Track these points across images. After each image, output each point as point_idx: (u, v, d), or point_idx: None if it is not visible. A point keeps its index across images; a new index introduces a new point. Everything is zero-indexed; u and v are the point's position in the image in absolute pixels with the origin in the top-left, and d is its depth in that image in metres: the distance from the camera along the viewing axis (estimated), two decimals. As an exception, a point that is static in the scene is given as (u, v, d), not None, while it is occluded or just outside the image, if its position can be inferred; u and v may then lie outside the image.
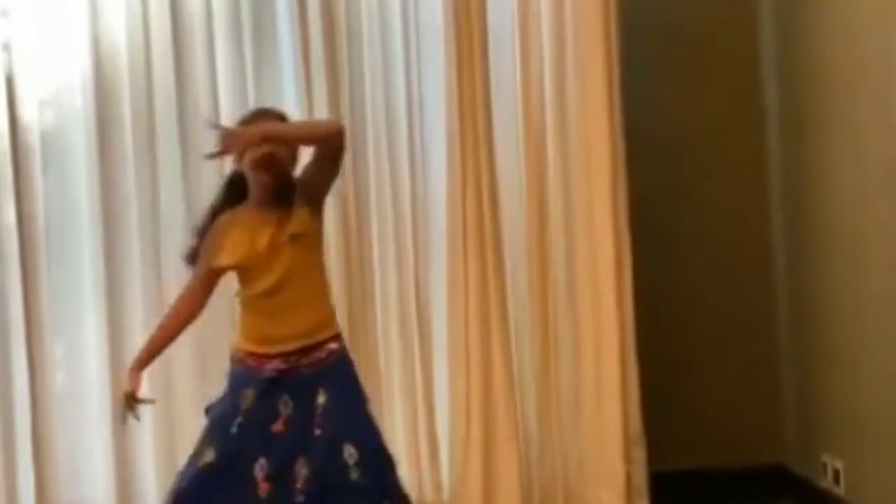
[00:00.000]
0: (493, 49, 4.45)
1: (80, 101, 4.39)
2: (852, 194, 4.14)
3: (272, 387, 3.35)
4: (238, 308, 3.47)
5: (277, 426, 3.34)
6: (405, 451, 4.39)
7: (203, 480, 3.31)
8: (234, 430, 3.33)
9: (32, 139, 4.37)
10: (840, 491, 4.27)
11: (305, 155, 3.43)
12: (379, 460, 3.36)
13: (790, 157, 4.61)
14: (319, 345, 3.39)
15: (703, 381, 4.70)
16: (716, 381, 4.71)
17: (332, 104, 4.39)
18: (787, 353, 4.71)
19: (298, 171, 3.43)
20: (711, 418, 4.67)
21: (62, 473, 4.38)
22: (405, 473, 4.07)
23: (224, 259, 3.38)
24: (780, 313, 4.73)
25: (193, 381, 4.41)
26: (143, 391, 3.47)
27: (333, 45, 4.42)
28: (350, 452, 3.30)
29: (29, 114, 4.37)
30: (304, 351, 3.37)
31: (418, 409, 4.46)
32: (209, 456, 3.32)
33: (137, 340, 4.38)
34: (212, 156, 3.32)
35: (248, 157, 3.33)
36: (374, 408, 3.50)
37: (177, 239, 4.39)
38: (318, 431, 3.32)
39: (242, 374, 3.39)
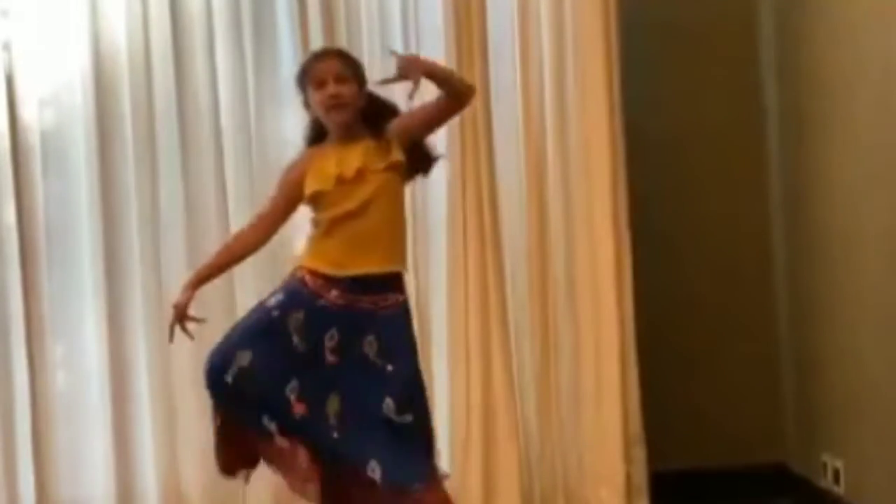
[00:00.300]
0: (492, 50, 4.45)
1: (80, 100, 4.38)
2: (852, 194, 4.15)
3: (322, 317, 3.38)
4: (312, 231, 3.47)
5: (329, 357, 3.37)
6: (405, 451, 4.39)
7: (236, 377, 3.37)
8: (270, 342, 3.36)
9: (32, 138, 4.37)
10: (840, 490, 4.27)
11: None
12: (420, 407, 3.43)
13: (790, 156, 4.61)
14: (387, 282, 3.42)
15: (703, 380, 4.70)
16: (716, 380, 4.71)
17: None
18: (787, 352, 4.71)
19: (407, 109, 3.52)
20: (711, 418, 4.67)
21: (62, 472, 4.38)
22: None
23: (310, 186, 3.42)
24: (780, 313, 4.73)
25: (193, 380, 4.39)
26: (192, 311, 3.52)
27: (333, 45, 4.41)
28: (389, 402, 3.36)
29: (29, 113, 4.37)
30: (371, 282, 3.39)
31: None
32: (244, 358, 3.37)
33: (137, 341, 4.42)
34: (387, 81, 3.43)
35: (318, 99, 3.42)
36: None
37: (177, 239, 4.41)
38: (362, 377, 3.36)
39: (299, 293, 3.40)
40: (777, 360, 4.74)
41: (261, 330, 3.40)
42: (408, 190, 4.44)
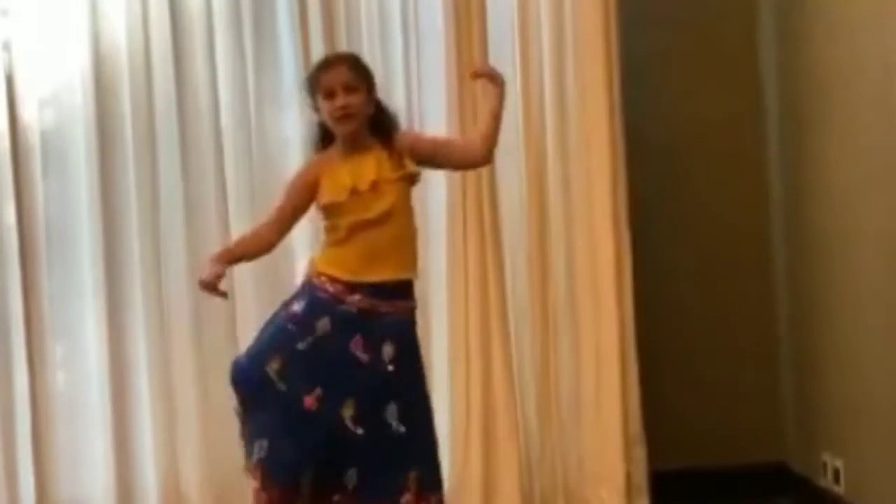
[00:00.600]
0: (492, 50, 4.45)
1: (80, 100, 4.38)
2: (851, 193, 4.15)
3: (348, 323, 3.40)
4: (327, 237, 3.49)
5: (362, 361, 3.40)
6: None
7: (263, 380, 3.38)
8: (300, 346, 3.39)
9: (32, 138, 4.37)
10: (840, 490, 4.28)
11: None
12: (425, 420, 3.49)
13: (789, 156, 4.62)
14: (400, 288, 3.46)
15: (704, 379, 4.70)
16: (716, 379, 4.71)
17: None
18: (786, 351, 4.71)
19: (434, 137, 3.70)
20: (711, 417, 4.67)
21: (62, 472, 4.38)
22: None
23: (325, 196, 3.43)
24: (779, 312, 4.73)
25: (193, 379, 4.40)
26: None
27: (333, 45, 4.42)
28: (392, 411, 3.41)
29: (29, 113, 4.37)
30: (386, 290, 3.42)
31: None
32: (276, 363, 3.38)
33: (137, 341, 4.41)
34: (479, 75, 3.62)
35: (327, 109, 3.43)
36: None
37: (177, 239, 4.41)
38: (379, 381, 3.40)
39: (321, 300, 3.42)
40: (777, 359, 4.74)
41: (288, 337, 3.41)
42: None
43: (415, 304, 3.54)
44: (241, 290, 4.39)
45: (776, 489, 4.62)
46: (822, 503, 4.37)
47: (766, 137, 4.74)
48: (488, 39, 4.44)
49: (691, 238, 4.71)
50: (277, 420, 3.38)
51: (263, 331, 3.50)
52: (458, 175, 4.39)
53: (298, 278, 3.69)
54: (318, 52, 4.38)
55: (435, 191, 4.46)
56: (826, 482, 4.37)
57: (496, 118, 3.54)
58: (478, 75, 3.69)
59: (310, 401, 3.37)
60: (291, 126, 4.43)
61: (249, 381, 3.42)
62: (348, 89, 3.44)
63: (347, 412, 3.39)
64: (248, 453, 3.41)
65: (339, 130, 3.46)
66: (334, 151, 3.50)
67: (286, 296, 3.56)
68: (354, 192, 3.41)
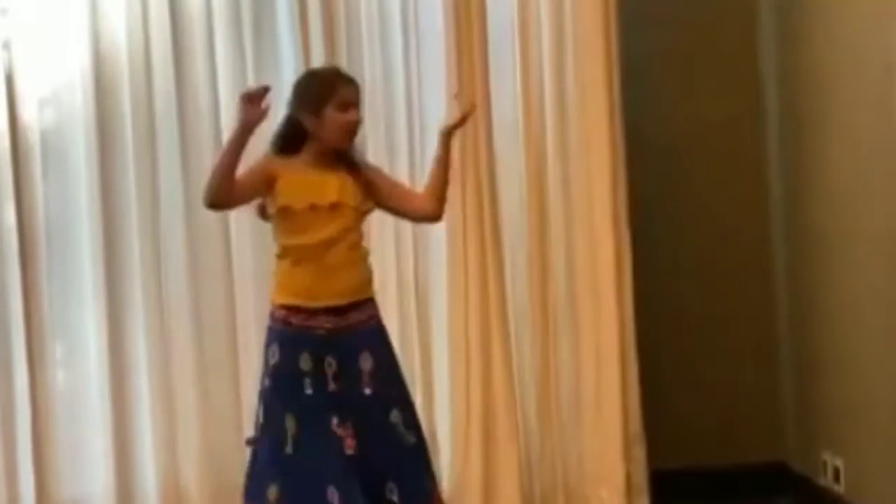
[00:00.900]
0: (493, 49, 4.45)
1: (80, 100, 4.37)
2: (851, 194, 4.15)
3: (321, 346, 3.41)
4: (280, 264, 3.49)
5: (331, 385, 3.41)
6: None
7: (292, 449, 3.38)
8: (308, 391, 3.40)
9: (32, 138, 4.37)
10: (840, 489, 4.28)
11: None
12: (418, 422, 3.54)
13: (789, 156, 4.62)
14: (361, 305, 3.47)
15: (703, 379, 4.70)
16: (716, 379, 4.71)
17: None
18: (786, 350, 4.72)
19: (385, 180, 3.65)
20: (711, 416, 4.67)
21: (62, 471, 4.38)
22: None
23: (282, 198, 3.42)
24: (779, 311, 4.73)
25: (193, 377, 4.40)
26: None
27: (333, 45, 4.42)
28: (395, 414, 3.44)
29: (29, 112, 4.36)
30: (347, 310, 3.44)
31: (419, 408, 4.44)
32: (291, 425, 3.38)
33: (137, 340, 4.41)
34: (456, 126, 3.61)
35: (341, 120, 3.43)
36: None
37: (177, 239, 4.41)
38: (367, 391, 3.42)
39: (292, 335, 3.43)
40: (777, 358, 4.75)
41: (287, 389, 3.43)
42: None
43: (376, 309, 3.54)
44: (242, 289, 4.39)
45: (776, 488, 4.62)
46: (823, 502, 4.37)
47: (766, 137, 4.74)
48: (488, 39, 4.43)
49: (691, 238, 4.71)
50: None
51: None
52: (457, 175, 4.38)
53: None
54: (318, 52, 4.39)
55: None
56: (826, 481, 4.37)
57: (446, 171, 3.57)
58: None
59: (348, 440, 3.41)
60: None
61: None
62: (357, 107, 3.50)
63: (347, 431, 3.41)
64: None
65: (340, 143, 3.47)
66: (297, 160, 3.48)
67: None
68: (313, 207, 3.41)
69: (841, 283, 4.25)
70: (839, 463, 4.28)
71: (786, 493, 4.61)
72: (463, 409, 4.42)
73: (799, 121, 4.52)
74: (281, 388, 3.43)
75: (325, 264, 3.42)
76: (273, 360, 3.44)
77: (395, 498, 3.41)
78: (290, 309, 3.44)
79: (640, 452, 4.45)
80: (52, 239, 4.40)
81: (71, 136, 4.42)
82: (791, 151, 4.60)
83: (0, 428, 4.34)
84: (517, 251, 4.50)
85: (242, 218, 4.34)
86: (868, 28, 3.98)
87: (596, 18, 4.42)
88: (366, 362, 3.45)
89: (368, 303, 3.51)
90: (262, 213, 3.54)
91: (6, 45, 4.34)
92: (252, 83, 4.42)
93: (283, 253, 3.48)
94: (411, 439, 3.47)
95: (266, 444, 3.43)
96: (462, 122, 3.64)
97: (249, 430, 3.64)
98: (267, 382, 3.45)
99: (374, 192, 3.54)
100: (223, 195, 3.46)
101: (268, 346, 3.47)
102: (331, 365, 3.42)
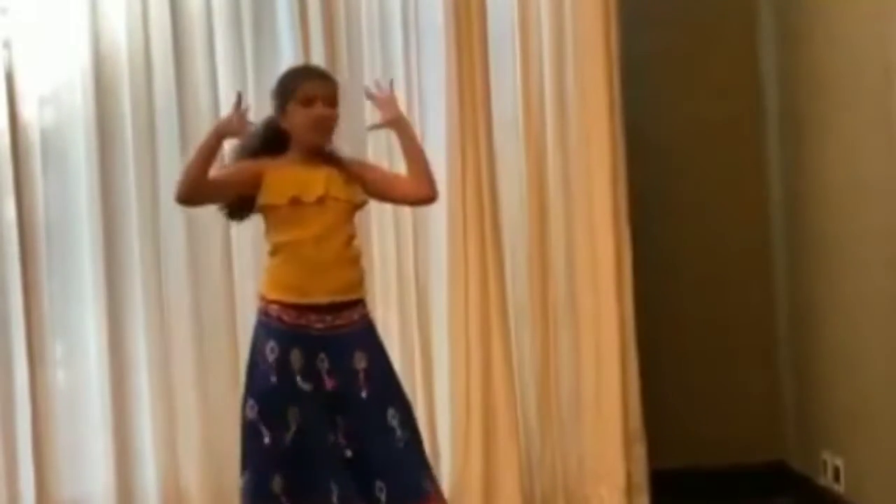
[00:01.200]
0: (493, 49, 4.45)
1: (80, 99, 4.38)
2: (851, 194, 4.15)
3: (313, 344, 3.41)
4: (272, 260, 3.48)
5: (328, 383, 3.41)
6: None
7: (296, 447, 3.38)
8: (305, 387, 3.40)
9: (32, 136, 4.36)
10: (840, 488, 4.28)
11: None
12: (414, 420, 3.51)
13: (789, 156, 4.62)
14: (352, 304, 3.46)
15: (703, 378, 4.70)
16: (716, 378, 4.72)
17: (332, 103, 4.39)
18: (786, 350, 4.72)
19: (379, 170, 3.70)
20: (711, 415, 4.67)
21: (62, 471, 4.37)
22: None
23: (264, 196, 3.41)
24: (779, 311, 4.74)
25: (193, 377, 4.40)
26: None
27: (333, 44, 4.43)
28: (392, 414, 3.42)
29: (29, 111, 4.36)
30: (338, 308, 3.43)
31: (418, 407, 4.45)
32: (293, 418, 3.39)
33: (138, 340, 4.41)
34: (376, 127, 3.64)
35: (304, 116, 3.42)
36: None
37: (177, 239, 4.41)
38: (363, 394, 3.41)
39: (284, 333, 3.42)
40: (777, 358, 4.75)
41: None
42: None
43: (367, 309, 3.53)
44: (242, 289, 4.39)
45: (776, 488, 4.62)
46: (822, 502, 4.37)
47: (766, 137, 4.75)
48: (488, 38, 4.44)
49: (691, 238, 4.72)
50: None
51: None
52: (457, 175, 4.39)
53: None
54: (318, 51, 4.39)
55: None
56: (826, 481, 4.37)
57: (413, 155, 3.56)
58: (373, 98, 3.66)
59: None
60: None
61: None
62: (329, 102, 3.47)
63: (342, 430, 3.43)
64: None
65: (313, 139, 3.46)
66: (284, 159, 3.48)
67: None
68: (295, 201, 3.40)
69: (841, 283, 4.25)
70: (839, 463, 4.28)
71: (786, 492, 4.61)
72: (463, 407, 4.42)
73: (799, 121, 4.52)
74: (283, 382, 3.42)
75: (317, 260, 3.41)
76: (273, 356, 3.43)
77: (382, 497, 3.40)
78: (282, 305, 3.43)
79: (640, 451, 4.45)
80: (52, 238, 4.40)
81: (71, 135, 4.42)
82: (790, 152, 4.61)
83: (0, 427, 4.34)
84: (517, 249, 4.50)
85: (242, 217, 4.34)
86: (868, 28, 3.98)
87: (596, 18, 4.43)
88: (360, 362, 3.44)
89: (360, 303, 3.51)
90: (231, 213, 3.54)
91: (6, 44, 4.34)
92: (252, 83, 4.44)
93: (275, 250, 3.47)
94: (406, 438, 3.45)
95: (267, 437, 3.42)
96: (386, 126, 3.63)
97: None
98: (272, 378, 3.43)
99: (364, 184, 3.53)
100: (195, 194, 3.46)
101: (264, 341, 3.45)
102: (323, 361, 3.41)
